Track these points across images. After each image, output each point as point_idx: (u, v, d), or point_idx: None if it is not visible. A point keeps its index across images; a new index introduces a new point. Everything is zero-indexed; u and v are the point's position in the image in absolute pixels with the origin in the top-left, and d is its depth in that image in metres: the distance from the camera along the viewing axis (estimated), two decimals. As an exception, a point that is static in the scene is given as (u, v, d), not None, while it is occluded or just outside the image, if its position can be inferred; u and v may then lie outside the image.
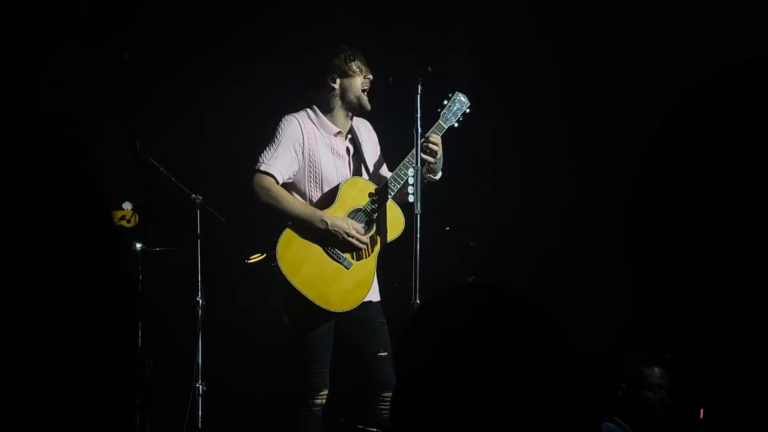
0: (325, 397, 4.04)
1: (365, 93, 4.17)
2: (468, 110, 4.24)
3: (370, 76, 4.18)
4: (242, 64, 5.49)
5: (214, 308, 5.03)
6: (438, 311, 1.34)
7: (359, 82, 4.16)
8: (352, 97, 4.16)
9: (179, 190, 4.95)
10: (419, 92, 4.05)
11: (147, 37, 5.07)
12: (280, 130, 4.09)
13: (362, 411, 4.09)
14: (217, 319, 5.14)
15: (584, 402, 1.27)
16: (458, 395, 1.23)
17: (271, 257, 3.99)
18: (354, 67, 4.15)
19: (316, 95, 4.20)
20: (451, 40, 5.58)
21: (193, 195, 4.95)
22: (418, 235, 3.96)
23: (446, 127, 4.21)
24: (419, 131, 4.06)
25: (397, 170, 4.12)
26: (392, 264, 4.34)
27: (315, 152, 4.10)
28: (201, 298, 4.90)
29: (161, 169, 4.89)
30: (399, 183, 4.11)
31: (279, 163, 4.03)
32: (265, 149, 4.05)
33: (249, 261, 5.25)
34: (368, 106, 4.19)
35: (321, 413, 4.04)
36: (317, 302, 3.97)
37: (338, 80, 4.15)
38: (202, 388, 4.80)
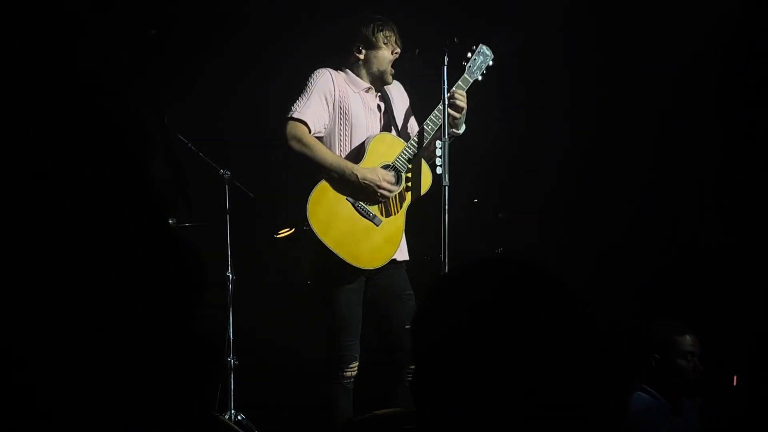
0: (356, 369, 4.05)
1: (391, 65, 4.15)
2: (492, 62, 4.22)
3: (398, 51, 4.15)
4: (270, 38, 5.48)
5: (243, 283, 5.05)
6: (455, 288, 1.30)
7: (385, 55, 4.13)
8: (375, 69, 4.14)
9: (207, 166, 4.96)
10: (446, 63, 4.03)
11: (172, 11, 5.06)
12: (312, 81, 4.08)
13: (391, 383, 4.10)
14: (247, 294, 5.16)
15: (608, 382, 1.24)
16: (478, 374, 1.20)
17: (303, 218, 3.97)
18: (381, 39, 4.12)
19: (344, 62, 4.19)
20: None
21: (222, 170, 4.95)
22: (447, 207, 3.95)
23: (471, 81, 4.18)
24: (446, 102, 4.03)
25: (423, 125, 4.11)
26: (421, 236, 4.33)
27: (346, 104, 4.09)
28: (231, 272, 4.92)
29: (189, 144, 4.90)
30: (426, 138, 4.09)
31: (311, 111, 4.02)
32: (297, 99, 4.04)
33: (278, 236, 5.27)
34: (390, 81, 4.17)
35: (352, 385, 4.06)
36: (348, 260, 3.96)
37: (363, 51, 4.14)
38: (234, 363, 4.84)
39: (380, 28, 4.12)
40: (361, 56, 4.14)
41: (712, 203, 5.33)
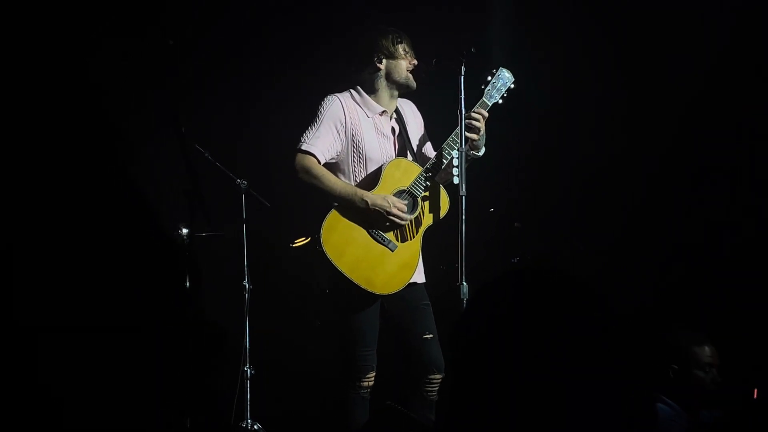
0: (373, 379, 4.04)
1: (410, 74, 4.16)
2: (512, 86, 4.19)
3: (415, 61, 4.16)
4: (286, 47, 5.49)
5: (260, 292, 5.06)
6: (490, 298, 1.31)
7: (404, 65, 4.15)
8: (397, 78, 4.15)
9: (224, 176, 4.98)
10: (463, 73, 4.02)
11: (190, 22, 5.09)
12: (321, 109, 4.09)
13: (408, 393, 4.09)
14: (263, 304, 5.17)
15: (635, 384, 1.25)
16: (511, 380, 1.21)
17: (316, 241, 3.99)
18: (400, 50, 4.14)
19: (359, 75, 4.19)
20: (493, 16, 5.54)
21: (238, 180, 4.97)
22: (464, 217, 3.94)
23: (490, 104, 4.16)
24: (463, 112, 4.02)
25: (440, 150, 4.09)
26: (437, 246, 4.33)
27: (358, 131, 4.09)
28: (247, 282, 4.93)
29: (206, 154, 4.92)
30: (443, 163, 4.08)
31: (320, 142, 4.03)
32: (307, 129, 4.05)
33: (294, 245, 5.28)
34: (414, 85, 4.17)
35: (368, 395, 4.05)
36: (362, 285, 3.97)
37: (384, 61, 4.14)
38: (250, 372, 4.84)
39: (399, 39, 4.14)
40: (382, 66, 4.14)
41: (738, 209, 5.31)
